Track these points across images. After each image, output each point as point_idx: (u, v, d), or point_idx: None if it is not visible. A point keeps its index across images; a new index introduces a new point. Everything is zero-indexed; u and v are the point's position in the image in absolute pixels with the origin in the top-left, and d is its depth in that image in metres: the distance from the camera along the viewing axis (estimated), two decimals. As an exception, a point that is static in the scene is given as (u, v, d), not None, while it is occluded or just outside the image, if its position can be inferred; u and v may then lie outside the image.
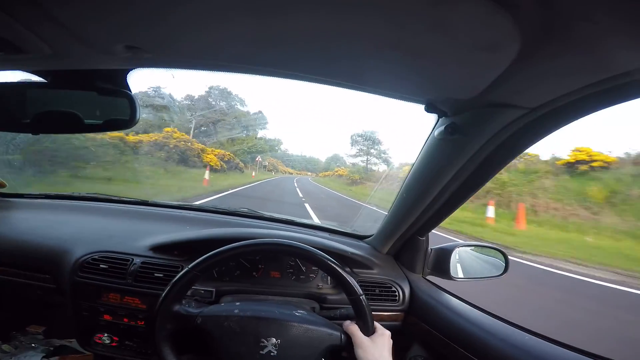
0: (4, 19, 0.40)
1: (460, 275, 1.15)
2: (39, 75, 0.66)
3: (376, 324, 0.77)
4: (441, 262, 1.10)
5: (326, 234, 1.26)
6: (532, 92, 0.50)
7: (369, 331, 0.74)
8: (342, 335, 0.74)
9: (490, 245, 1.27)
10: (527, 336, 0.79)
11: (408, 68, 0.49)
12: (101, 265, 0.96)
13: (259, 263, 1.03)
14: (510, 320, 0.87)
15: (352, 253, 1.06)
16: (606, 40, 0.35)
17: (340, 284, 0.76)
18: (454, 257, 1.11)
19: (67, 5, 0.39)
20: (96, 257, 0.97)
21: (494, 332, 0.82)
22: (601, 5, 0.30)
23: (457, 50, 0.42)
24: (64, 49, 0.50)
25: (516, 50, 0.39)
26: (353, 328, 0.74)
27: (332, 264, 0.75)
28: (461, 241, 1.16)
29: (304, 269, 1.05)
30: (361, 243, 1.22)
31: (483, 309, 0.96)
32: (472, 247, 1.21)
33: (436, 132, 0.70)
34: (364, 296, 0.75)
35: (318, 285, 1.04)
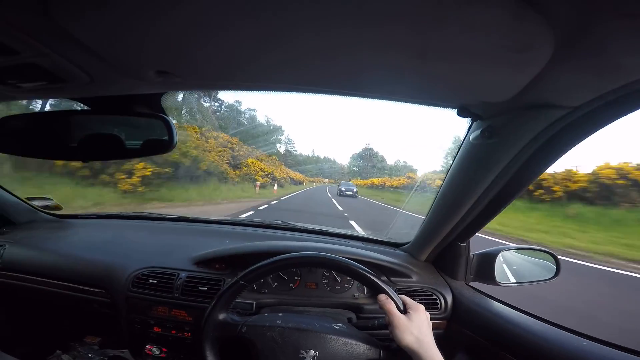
0: (43, 51, 0.44)
1: (507, 280, 1.08)
2: (83, 103, 0.70)
3: (409, 299, 0.75)
4: (485, 268, 1.04)
5: (360, 243, 1.25)
6: (573, 91, 0.47)
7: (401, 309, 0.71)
8: (381, 351, 0.73)
9: (538, 247, 1.18)
10: (586, 342, 0.73)
11: (438, 74, 0.47)
12: (150, 280, 1.01)
13: (295, 275, 1.04)
14: (566, 326, 0.81)
15: (388, 261, 1.03)
16: None
17: (369, 286, 0.76)
18: (499, 261, 1.04)
19: (98, 36, 0.41)
20: (146, 272, 1.03)
21: (547, 337, 0.77)
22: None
23: (489, 53, 0.39)
24: (101, 77, 0.53)
25: (551, 49, 0.36)
26: (389, 305, 0.71)
27: (362, 271, 0.75)
28: (507, 245, 1.08)
29: (339, 279, 1.05)
30: (397, 251, 1.19)
31: (534, 314, 0.90)
32: (519, 250, 1.13)
33: (472, 137, 0.67)
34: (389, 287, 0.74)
35: (354, 295, 1.04)
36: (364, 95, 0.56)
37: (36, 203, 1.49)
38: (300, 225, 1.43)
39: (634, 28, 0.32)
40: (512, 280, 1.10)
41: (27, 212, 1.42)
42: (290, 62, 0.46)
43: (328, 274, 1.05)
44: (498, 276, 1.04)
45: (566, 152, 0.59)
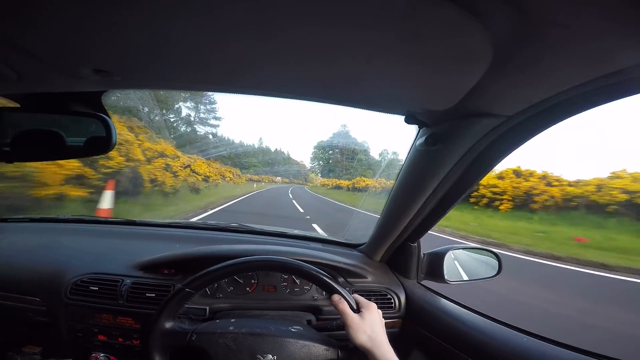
0: None
1: (456, 278, 1.14)
2: (12, 99, 0.64)
3: (361, 299, 0.76)
4: (435, 267, 1.09)
5: (319, 245, 1.25)
6: (508, 100, 0.51)
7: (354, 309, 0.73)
8: (339, 351, 0.73)
9: (482, 247, 1.27)
10: (526, 337, 0.79)
11: (384, 81, 0.49)
12: (91, 287, 0.95)
13: (251, 278, 1.02)
14: (508, 323, 0.87)
15: (345, 263, 1.05)
16: (577, 45, 0.35)
17: (323, 287, 0.77)
18: (449, 260, 1.10)
19: (27, 29, 0.37)
20: (85, 279, 0.96)
21: (493, 334, 0.82)
22: (571, 9, 0.30)
23: (432, 61, 0.41)
24: (30, 73, 0.49)
25: (489, 59, 0.39)
26: (342, 305, 0.71)
27: (315, 272, 0.76)
28: (454, 245, 1.15)
29: (298, 282, 1.04)
30: (354, 252, 1.21)
31: (480, 312, 0.96)
32: (465, 249, 1.21)
33: (417, 143, 0.70)
34: (343, 288, 0.75)
35: (313, 297, 1.03)
36: (312, 99, 0.57)
37: None
38: (258, 227, 1.38)
39: (566, 39, 0.34)
40: (462, 277, 1.18)
41: None
42: (232, 64, 0.46)
43: (286, 277, 1.04)
44: (448, 274, 1.10)
45: (503, 158, 0.64)
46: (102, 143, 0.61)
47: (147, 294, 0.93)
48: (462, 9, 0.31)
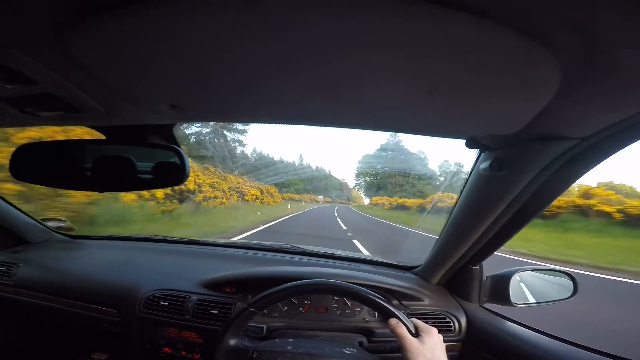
0: (59, 83, 0.45)
1: (523, 301, 1.05)
2: (98, 131, 0.72)
3: (421, 323, 0.73)
4: (499, 289, 1.02)
5: (370, 267, 1.24)
6: (581, 122, 0.47)
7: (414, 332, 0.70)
8: None
9: (554, 268, 1.15)
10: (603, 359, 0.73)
11: (446, 109, 0.47)
12: (161, 302, 1.03)
13: (305, 299, 1.04)
14: (583, 344, 0.81)
15: (400, 286, 1.02)
16: None
17: (380, 311, 0.75)
18: (514, 282, 1.02)
19: (115, 71, 0.42)
20: (157, 294, 1.05)
21: (564, 356, 0.77)
22: None
23: (497, 88, 0.39)
24: (115, 108, 0.55)
25: (558, 82, 0.36)
26: (400, 329, 0.68)
27: (372, 297, 0.75)
28: (521, 267, 1.05)
29: (349, 303, 1.04)
30: (408, 274, 1.18)
31: (552, 334, 0.88)
32: (534, 271, 1.10)
33: (481, 167, 0.66)
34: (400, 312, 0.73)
35: (365, 319, 1.02)
36: (373, 128, 0.56)
37: (50, 224, 1.55)
38: (309, 248, 1.43)
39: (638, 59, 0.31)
40: (530, 300, 1.08)
41: (41, 232, 1.48)
42: (297, 97, 0.47)
43: (338, 299, 1.04)
44: (513, 297, 1.01)
45: (575, 180, 0.59)
46: (176, 174, 0.65)
47: (210, 311, 0.99)
48: (528, 37, 0.30)
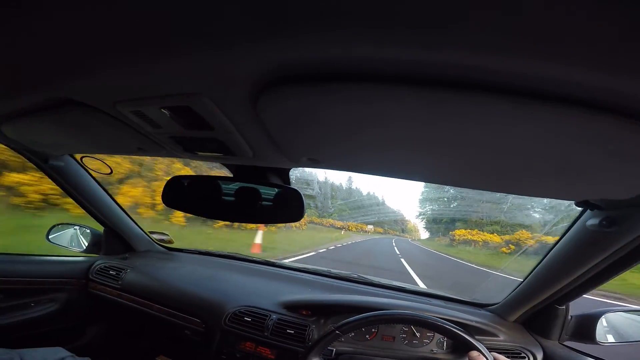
0: (232, 132, 0.54)
1: (608, 340, 1.00)
2: (228, 168, 0.87)
3: (501, 357, 0.75)
4: (584, 328, 0.98)
5: (441, 302, 1.25)
6: None
7: None
8: None
9: (649, 309, 1.06)
10: None
11: (564, 180, 0.50)
12: (245, 318, 1.12)
13: (373, 328, 1.09)
14: None
15: (475, 321, 1.04)
16: None
17: (463, 344, 0.78)
18: (602, 324, 0.98)
19: (284, 132, 0.50)
20: (243, 310, 1.14)
21: None
22: None
23: (617, 166, 0.42)
24: (262, 154, 0.64)
25: None
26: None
27: (456, 330, 0.78)
28: (611, 307, 1.01)
29: (418, 334, 1.07)
30: (482, 311, 1.18)
31: None
32: (626, 312, 1.04)
33: (588, 223, 0.69)
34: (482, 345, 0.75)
35: (432, 350, 1.05)
36: (489, 188, 0.61)
37: (155, 236, 1.75)
38: (376, 280, 1.47)
39: None
40: (615, 340, 1.02)
41: (146, 243, 1.67)
42: (415, 160, 0.54)
43: (407, 329, 1.07)
44: (599, 338, 0.97)
45: None
46: (295, 212, 0.77)
47: (287, 330, 1.07)
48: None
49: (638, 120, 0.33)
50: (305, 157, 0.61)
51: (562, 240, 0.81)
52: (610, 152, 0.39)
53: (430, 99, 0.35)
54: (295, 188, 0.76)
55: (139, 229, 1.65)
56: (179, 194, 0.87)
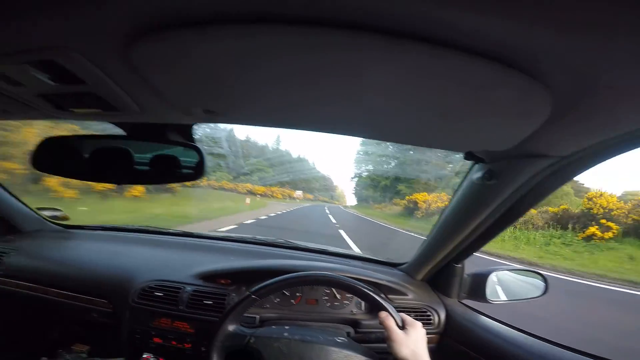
0: (108, 84, 0.48)
1: (498, 298, 1.15)
2: (121, 127, 0.76)
3: (408, 317, 0.80)
4: (477, 287, 1.11)
5: (359, 263, 1.30)
6: (563, 143, 0.55)
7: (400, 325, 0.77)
8: None
9: (528, 268, 1.26)
10: (569, 353, 0.81)
11: (450, 129, 0.54)
12: (156, 293, 1.05)
13: (297, 291, 1.09)
14: (553, 340, 0.88)
15: (387, 280, 1.10)
16: (622, 101, 0.40)
17: (373, 304, 0.81)
18: (491, 281, 1.11)
19: (162, 75, 0.46)
20: (152, 285, 1.07)
21: (534, 351, 0.84)
22: (625, 76, 0.35)
23: (497, 115, 0.46)
24: (150, 108, 0.59)
25: (548, 112, 0.44)
26: (389, 321, 0.76)
27: (368, 291, 0.81)
28: (499, 266, 1.15)
29: (338, 296, 1.10)
30: (395, 270, 1.25)
31: (523, 329, 0.97)
32: (510, 271, 1.20)
33: (474, 177, 0.75)
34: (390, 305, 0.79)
35: (352, 311, 1.09)
36: (382, 138, 0.63)
37: (45, 213, 1.52)
38: (302, 244, 1.48)
39: (611, 96, 0.39)
40: (504, 298, 1.18)
41: (35, 222, 1.46)
42: (320, 109, 0.53)
43: (328, 292, 1.10)
44: (490, 294, 1.11)
45: (552, 192, 0.69)
46: (194, 172, 0.70)
47: (204, 301, 1.02)
48: (528, 76, 0.37)
49: (510, 66, 0.35)
50: (200, 109, 0.56)
51: (455, 196, 0.88)
52: (487, 100, 0.42)
53: (312, 41, 0.34)
54: (195, 144, 0.70)
55: (23, 206, 1.41)
56: (55, 156, 0.74)
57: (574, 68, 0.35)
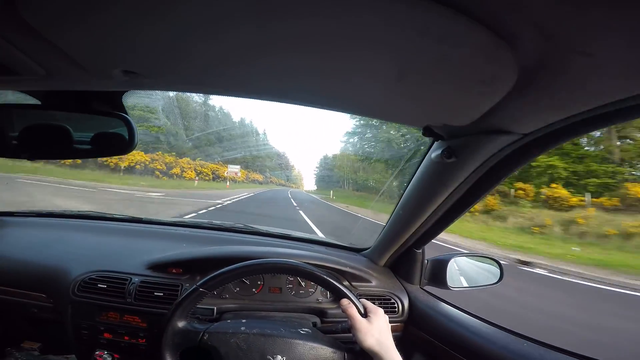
0: (10, 52, 0.42)
1: (458, 284, 1.16)
2: (33, 96, 0.65)
3: (369, 304, 0.77)
4: (438, 273, 1.11)
5: (323, 248, 1.27)
6: (526, 119, 0.52)
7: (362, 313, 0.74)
8: (346, 354, 0.75)
9: (485, 254, 1.29)
10: (526, 343, 0.81)
11: (409, 98, 0.50)
12: (99, 285, 0.96)
13: (258, 280, 1.04)
14: (509, 328, 0.90)
15: (351, 267, 1.07)
16: (599, 72, 0.37)
17: (333, 292, 0.78)
18: (451, 267, 1.12)
19: (62, 29, 0.39)
20: (94, 276, 0.98)
21: (493, 340, 0.85)
22: (598, 38, 0.31)
23: (458, 81, 0.43)
24: (59, 71, 0.50)
25: (513, 81, 0.41)
26: (351, 309, 0.73)
27: (327, 278, 0.78)
28: (457, 252, 1.17)
29: (303, 284, 1.06)
30: (358, 256, 1.23)
31: (481, 317, 0.98)
32: (468, 257, 1.23)
33: (433, 155, 0.72)
34: (351, 293, 0.76)
35: (318, 300, 1.05)
36: (335, 109, 0.59)
37: None
38: (263, 228, 1.41)
39: (585, 65, 0.36)
40: (464, 284, 1.20)
41: None
42: (260, 73, 0.47)
43: (292, 279, 1.06)
44: (450, 281, 1.12)
45: (513, 172, 0.67)
46: (123, 143, 0.61)
47: (155, 293, 0.95)
48: (492, 32, 0.33)
49: (474, 20, 0.31)
50: (119, 70, 0.48)
51: (413, 177, 0.85)
52: (447, 60, 0.38)
53: None
54: (123, 114, 0.61)
55: None
56: None
57: (545, 27, 0.32)
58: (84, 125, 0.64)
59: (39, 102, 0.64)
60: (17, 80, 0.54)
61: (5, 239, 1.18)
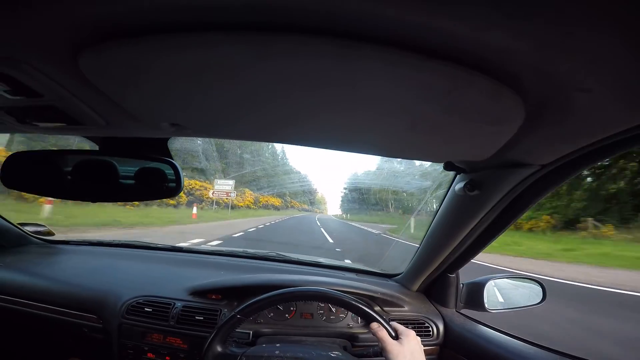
0: (66, 97, 0.47)
1: (497, 307, 1.11)
2: (93, 141, 0.73)
3: (400, 326, 0.77)
4: (474, 296, 1.08)
5: (353, 275, 1.28)
6: (541, 152, 0.54)
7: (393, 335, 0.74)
8: None
9: (525, 275, 1.23)
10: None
11: (427, 140, 0.53)
12: (146, 309, 1.03)
13: (291, 306, 1.07)
14: (551, 347, 0.86)
15: (382, 292, 1.07)
16: (598, 106, 0.38)
17: (363, 316, 0.79)
18: (489, 289, 1.08)
19: (123, 91, 0.44)
20: (141, 300, 1.05)
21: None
22: (592, 76, 0.33)
23: (470, 123, 0.44)
24: (116, 123, 0.57)
25: (522, 119, 0.42)
26: (381, 332, 0.73)
27: (355, 303, 0.79)
28: (495, 274, 1.12)
29: (333, 310, 1.08)
30: (389, 282, 1.23)
31: (522, 338, 0.94)
32: (507, 278, 1.17)
33: (456, 188, 0.73)
34: (380, 316, 0.77)
35: (348, 325, 1.06)
36: (359, 152, 0.61)
37: (28, 229, 1.50)
38: (294, 257, 1.46)
39: (586, 100, 0.37)
40: (503, 306, 1.15)
41: (17, 237, 1.43)
42: (291, 121, 0.50)
43: (323, 305, 1.07)
44: (488, 303, 1.08)
45: (536, 202, 0.67)
46: (172, 188, 0.66)
47: (196, 317, 1.00)
48: (493, 79, 0.35)
49: (475, 70, 0.33)
50: (167, 123, 0.54)
51: (441, 207, 0.85)
52: (457, 107, 0.39)
53: (270, 50, 0.32)
54: (171, 160, 0.66)
55: (4, 222, 1.38)
56: (24, 172, 0.71)
57: (540, 70, 0.33)
58: (127, 162, 0.70)
59: (97, 149, 0.72)
60: (79, 128, 0.61)
61: (61, 264, 1.30)
